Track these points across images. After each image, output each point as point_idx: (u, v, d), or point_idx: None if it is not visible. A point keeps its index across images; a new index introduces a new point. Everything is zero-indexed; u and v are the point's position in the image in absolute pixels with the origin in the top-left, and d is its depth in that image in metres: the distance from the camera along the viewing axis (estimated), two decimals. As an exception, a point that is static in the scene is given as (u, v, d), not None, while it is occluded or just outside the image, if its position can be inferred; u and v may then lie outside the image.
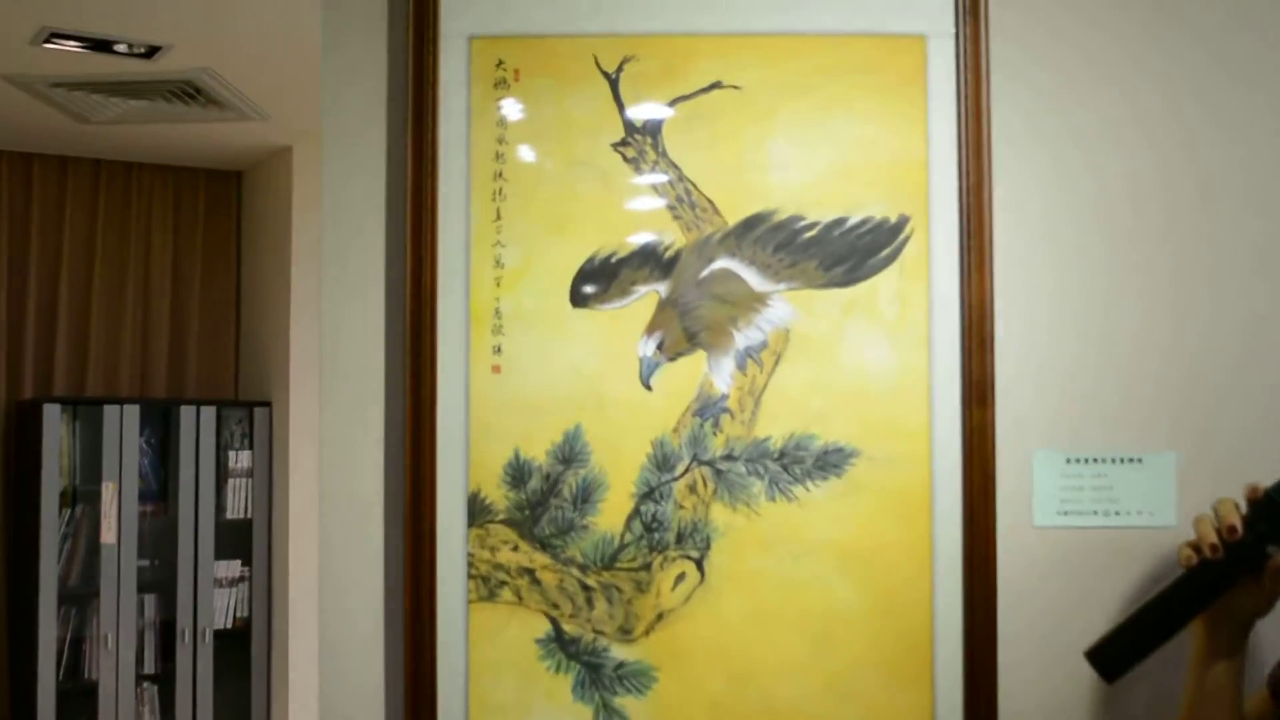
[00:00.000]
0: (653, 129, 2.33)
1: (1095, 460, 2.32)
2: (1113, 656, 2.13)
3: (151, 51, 5.32)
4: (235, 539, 6.84)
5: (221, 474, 6.80)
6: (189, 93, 5.83)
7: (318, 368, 2.38)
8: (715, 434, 2.30)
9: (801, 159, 2.32)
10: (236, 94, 5.87)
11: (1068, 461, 2.32)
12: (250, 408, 6.93)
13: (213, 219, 7.37)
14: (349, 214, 2.37)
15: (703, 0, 2.35)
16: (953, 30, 2.33)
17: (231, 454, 6.83)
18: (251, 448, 6.86)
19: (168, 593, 6.69)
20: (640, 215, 2.32)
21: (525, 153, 2.34)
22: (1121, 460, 2.32)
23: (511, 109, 2.34)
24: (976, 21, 2.32)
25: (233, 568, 6.80)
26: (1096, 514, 2.32)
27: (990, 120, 2.31)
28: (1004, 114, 2.35)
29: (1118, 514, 2.32)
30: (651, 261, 2.31)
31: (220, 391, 7.31)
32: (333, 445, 2.35)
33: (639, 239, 2.32)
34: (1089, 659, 2.14)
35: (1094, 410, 2.33)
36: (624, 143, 2.33)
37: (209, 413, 6.79)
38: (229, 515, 6.81)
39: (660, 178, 2.32)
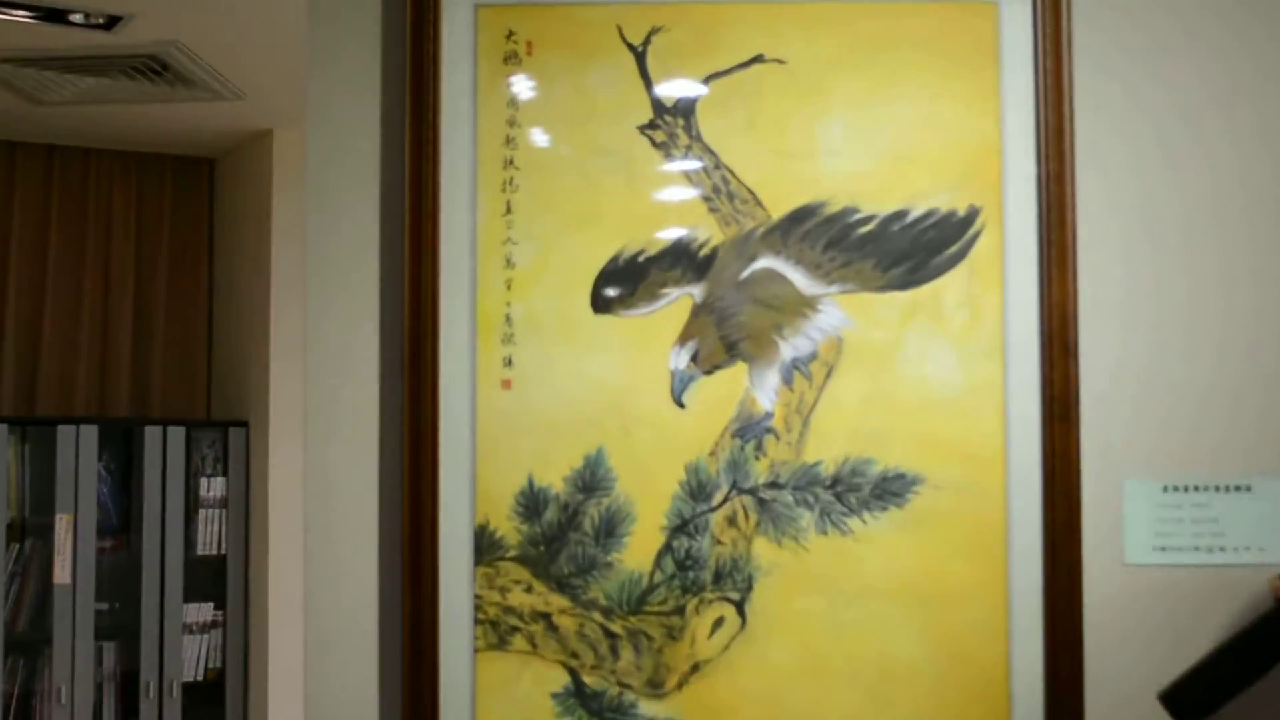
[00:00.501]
0: (685, 109, 2.34)
1: (1197, 488, 2.32)
2: (1190, 700, 2.13)
3: (111, 22, 5.34)
4: (207, 578, 6.84)
5: (191, 504, 6.81)
6: (154, 69, 5.85)
7: (302, 382, 2.39)
8: (758, 458, 2.31)
9: (856, 143, 2.33)
10: (208, 70, 5.89)
11: (1165, 490, 2.32)
12: (224, 428, 6.93)
13: (181, 212, 7.39)
14: (338, 207, 2.38)
15: (742, -39, 2.36)
16: (1029, -6, 2.33)
17: (203, 481, 6.84)
18: (226, 474, 6.86)
19: (130, 640, 6.70)
20: (671, 208, 2.33)
21: (539, 137, 2.35)
22: (1227, 488, 2.32)
23: (523, 87, 2.35)
24: (1057, -16, 2.33)
25: (204, 611, 6.81)
26: (1198, 550, 2.32)
27: (1073, 97, 2.31)
28: (1089, 89, 2.35)
29: (1222, 550, 2.31)
30: (684, 261, 2.32)
31: (190, 409, 7.32)
32: (319, 472, 2.36)
33: (670, 235, 2.33)
34: (1163, 702, 2.14)
35: (1195, 431, 2.33)
36: (652, 125, 2.34)
37: (177, 433, 6.79)
38: (200, 551, 6.82)
39: (694, 165, 2.33)
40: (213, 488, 6.93)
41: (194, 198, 7.50)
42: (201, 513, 6.89)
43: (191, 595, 6.88)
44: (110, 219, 7.32)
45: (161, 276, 7.42)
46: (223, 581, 7.01)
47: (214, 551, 6.95)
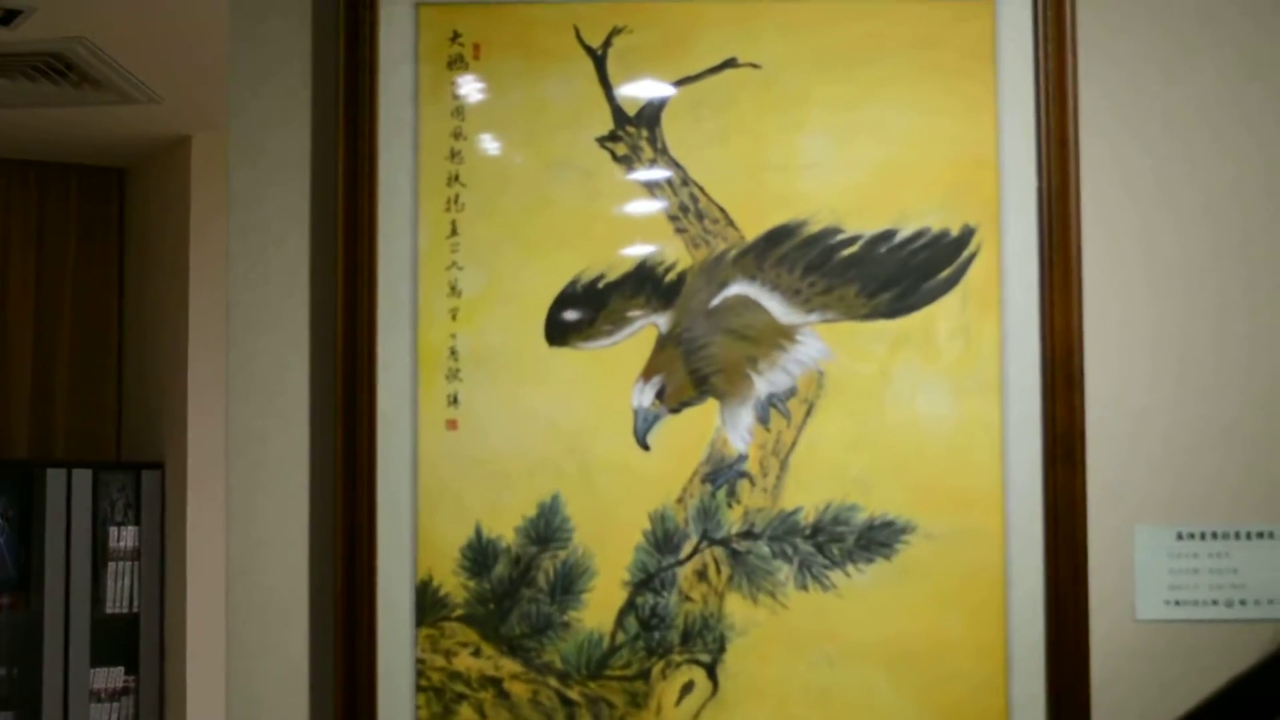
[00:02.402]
0: (649, 119, 2.36)
1: (1213, 535, 2.35)
2: None
3: (9, 16, 5.34)
4: (117, 640, 6.82)
5: (99, 556, 6.79)
6: (57, 69, 5.85)
7: (223, 421, 2.39)
8: (731, 505, 2.33)
9: (839, 156, 2.35)
10: (118, 70, 5.89)
11: (1179, 537, 2.35)
12: (136, 470, 6.92)
13: (88, 228, 7.38)
14: (263, 225, 2.40)
15: (712, -45, 2.39)
16: (1028, -8, 2.37)
17: (112, 530, 6.82)
18: (138, 522, 6.85)
19: (30, 709, 6.67)
20: (634, 228, 2.36)
21: (488, 150, 2.37)
22: (1247, 535, 2.35)
23: (470, 93, 2.37)
24: (1059, -20, 2.36)
25: (114, 676, 6.78)
26: (1216, 603, 2.34)
27: (1077, 106, 2.34)
28: (1094, 98, 2.37)
29: (1242, 603, 2.34)
30: (648, 286, 2.34)
31: (98, 450, 7.30)
32: (242, 521, 2.37)
33: (632, 258, 2.35)
34: None
35: (1212, 472, 2.36)
36: (613, 136, 2.36)
37: (83, 476, 6.78)
38: (109, 609, 6.80)
39: (659, 180, 2.36)
40: (123, 537, 6.91)
41: (102, 212, 7.48)
42: (111, 565, 6.87)
43: (100, 658, 6.85)
44: (7, 235, 7.30)
45: (65, 300, 7.40)
46: (135, 643, 6.98)
47: (125, 609, 6.92)
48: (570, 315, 2.34)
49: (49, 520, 6.75)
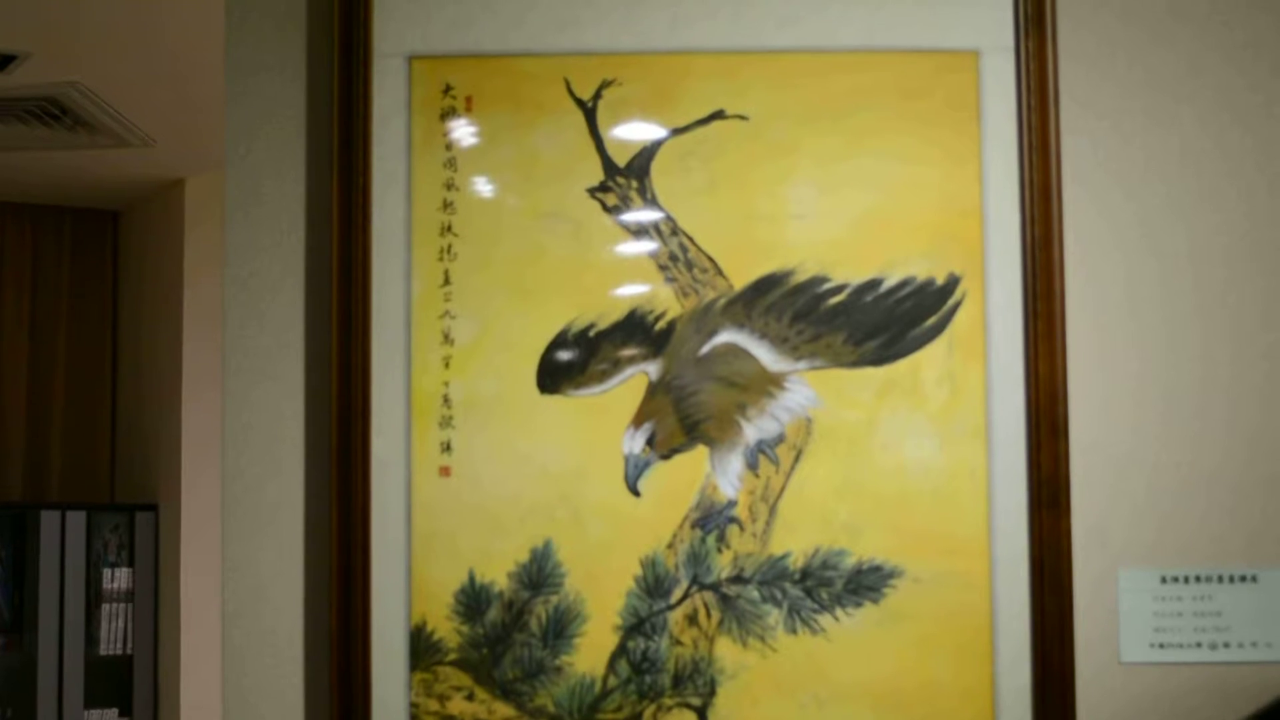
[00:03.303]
0: (639, 170, 2.40)
1: (1198, 579, 2.37)
2: None
3: (4, 61, 5.36)
4: (111, 682, 6.81)
5: (93, 597, 6.78)
6: (52, 112, 5.87)
7: (218, 464, 2.41)
8: (720, 550, 2.35)
9: (825, 206, 2.39)
10: (112, 114, 5.91)
11: (1163, 580, 2.37)
12: (130, 512, 6.91)
13: (81, 271, 7.38)
14: (259, 272, 2.42)
15: (700, 8, 2.42)
16: (1012, 44, 2.40)
17: (106, 571, 6.82)
18: (132, 564, 6.84)
19: (23, 752, 6.66)
20: (624, 277, 2.39)
21: (480, 199, 2.40)
22: (1231, 579, 2.37)
23: (462, 145, 2.41)
24: (1042, 34, 2.39)
25: (108, 718, 6.77)
26: (1200, 646, 2.37)
27: (1060, 157, 2.37)
28: (1076, 149, 2.41)
29: (1227, 645, 2.36)
30: (639, 335, 2.37)
31: (91, 492, 7.30)
32: (237, 564, 2.39)
33: (623, 307, 2.38)
34: None
35: (1196, 516, 2.39)
36: (603, 187, 2.40)
37: (77, 518, 6.77)
38: (103, 650, 6.79)
39: (649, 229, 2.39)
40: (117, 579, 6.90)
41: (96, 254, 7.48)
42: (105, 607, 6.86)
43: (94, 700, 6.84)
44: (1, 277, 7.29)
45: (59, 342, 7.39)
46: (129, 685, 6.96)
47: (119, 651, 6.91)
48: (562, 363, 2.36)
49: (43, 562, 6.74)
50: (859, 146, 2.39)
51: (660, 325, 2.37)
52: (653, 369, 2.36)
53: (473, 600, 2.34)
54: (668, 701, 2.34)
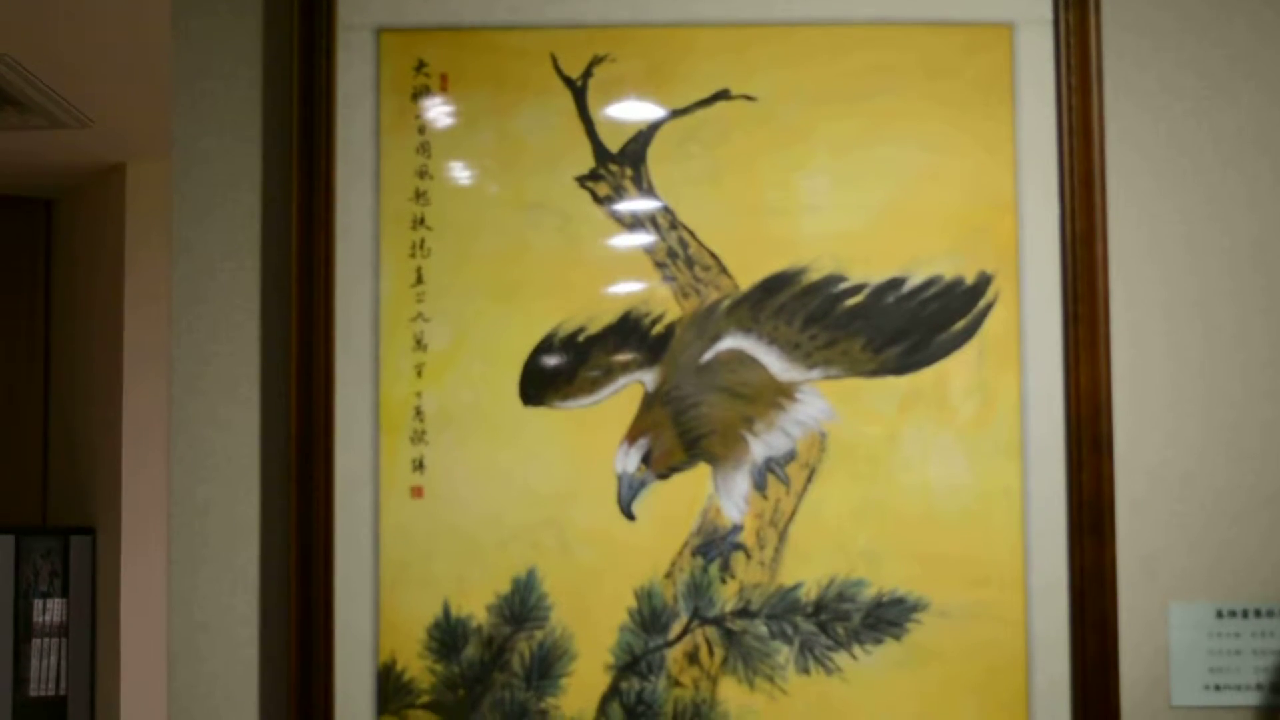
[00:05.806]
0: (634, 156, 2.40)
1: (1257, 613, 2.38)
2: None
3: (-76, 33, 5.38)
4: (41, 725, 6.82)
5: (22, 632, 6.79)
6: (-22, 90, 5.89)
7: (163, 484, 2.41)
8: (724, 580, 2.36)
9: (841, 198, 2.39)
10: (45, 91, 5.92)
11: (1219, 615, 2.38)
12: (64, 536, 6.91)
13: (10, 264, 7.38)
14: (210, 268, 2.42)
15: (703, -24, 2.42)
16: (1050, 16, 2.40)
17: (37, 603, 6.83)
18: (66, 594, 6.84)
19: (-56, 803, 6.66)
20: (617, 275, 2.39)
21: (456, 189, 2.40)
22: (1294, 613, 2.38)
23: (437, 128, 2.41)
24: (1084, 4, 2.39)
25: (38, 767, 6.78)
26: (1260, 688, 2.37)
27: (1104, 142, 2.37)
28: (1122, 134, 2.41)
29: (1289, 688, 2.37)
30: (633, 340, 2.38)
31: (21, 514, 7.30)
32: (184, 598, 2.39)
33: (616, 308, 2.38)
34: None
35: (1254, 543, 2.39)
36: (594, 175, 2.40)
37: (4, 543, 6.78)
38: (33, 691, 6.80)
39: (646, 223, 2.39)
40: (50, 611, 6.90)
41: (26, 248, 7.47)
42: (35, 642, 6.86)
43: (22, 747, 6.82)
44: (-80, 274, 7.28)
45: (-15, 347, 7.38)
46: (62, 729, 6.94)
47: (51, 692, 6.91)
48: (547, 371, 2.36)
49: (-34, 592, 6.73)
50: (879, 131, 2.39)
51: (657, 329, 2.37)
52: (649, 378, 2.36)
53: (448, 636, 2.34)
54: (665, 749, 2.34)
